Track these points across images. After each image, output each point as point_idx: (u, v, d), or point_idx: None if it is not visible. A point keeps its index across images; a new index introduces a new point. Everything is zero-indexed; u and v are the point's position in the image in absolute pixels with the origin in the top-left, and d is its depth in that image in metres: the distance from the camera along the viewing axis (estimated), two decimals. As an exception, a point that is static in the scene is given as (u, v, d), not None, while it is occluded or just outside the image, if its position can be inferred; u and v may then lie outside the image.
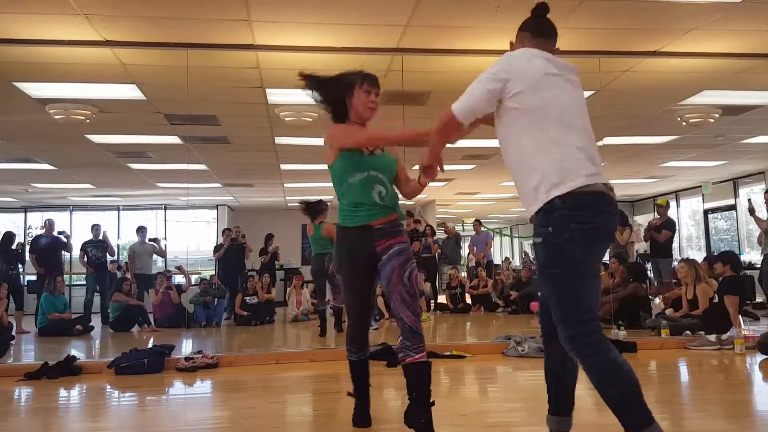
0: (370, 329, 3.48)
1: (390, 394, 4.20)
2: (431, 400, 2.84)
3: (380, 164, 2.99)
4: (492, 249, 12.86)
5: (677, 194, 15.03)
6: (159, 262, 11.43)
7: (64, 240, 10.07)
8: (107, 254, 10.21)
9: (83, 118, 6.80)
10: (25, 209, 14.76)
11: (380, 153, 3.03)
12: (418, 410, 2.82)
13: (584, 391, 4.44)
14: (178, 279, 10.42)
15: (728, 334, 5.91)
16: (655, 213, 9.15)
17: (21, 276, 10.27)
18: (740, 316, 6.45)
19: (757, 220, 8.07)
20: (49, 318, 8.42)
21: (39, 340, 8.10)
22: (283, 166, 10.47)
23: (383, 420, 3.35)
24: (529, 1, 4.59)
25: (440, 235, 13.06)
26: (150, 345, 5.90)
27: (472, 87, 2.41)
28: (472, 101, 2.39)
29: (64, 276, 10.07)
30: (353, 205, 2.93)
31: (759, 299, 9.67)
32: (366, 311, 3.17)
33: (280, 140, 8.59)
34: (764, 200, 8.25)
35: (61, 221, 12.12)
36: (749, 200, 8.35)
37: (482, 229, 12.80)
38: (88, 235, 10.30)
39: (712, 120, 7.55)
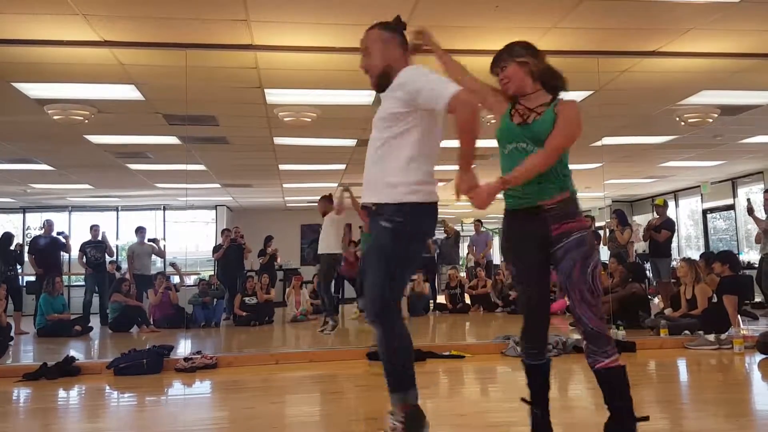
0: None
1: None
2: (633, 412, 2.58)
3: (530, 134, 2.62)
4: (491, 249, 12.86)
5: (676, 194, 15.03)
6: (158, 262, 11.42)
7: (63, 240, 10.06)
8: (106, 255, 10.20)
9: (82, 118, 6.80)
10: (24, 210, 14.75)
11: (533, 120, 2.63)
12: (618, 422, 2.58)
13: (583, 390, 4.45)
14: (175, 278, 10.42)
15: (727, 333, 5.92)
16: (654, 213, 9.14)
17: (20, 277, 10.25)
18: (739, 316, 6.46)
19: (756, 219, 8.05)
20: (48, 319, 8.41)
21: (38, 340, 8.10)
22: (282, 167, 10.46)
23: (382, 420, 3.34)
24: (527, 1, 4.61)
25: (438, 234, 13.05)
26: (149, 345, 5.89)
27: None
28: None
29: (63, 277, 10.05)
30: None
31: (758, 299, 9.67)
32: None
33: (279, 140, 8.58)
34: (763, 199, 8.24)
35: (59, 222, 12.10)
36: (748, 200, 8.34)
37: (482, 229, 12.80)
38: (87, 236, 10.29)
39: (710, 120, 7.56)
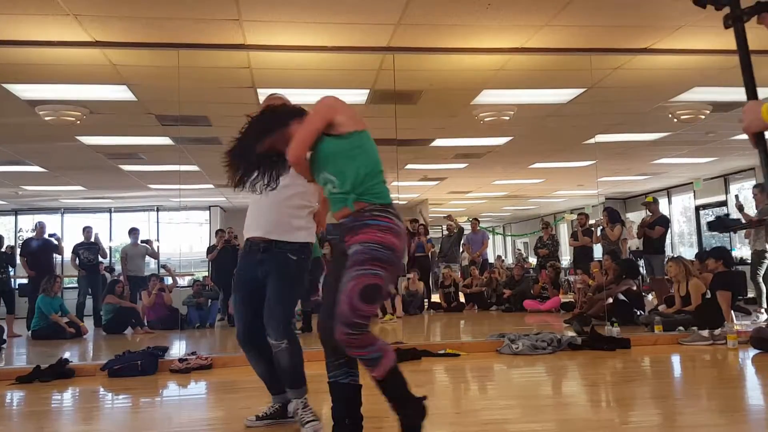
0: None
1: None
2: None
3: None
4: (487, 248, 12.87)
5: (669, 191, 15.10)
6: (152, 264, 11.38)
7: (56, 243, 10.01)
8: (99, 256, 10.16)
9: (73, 119, 6.77)
10: (16, 212, 14.67)
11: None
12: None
13: (578, 387, 4.47)
14: (168, 280, 10.39)
15: (721, 329, 5.94)
16: (647, 212, 9.17)
17: (12, 279, 10.19)
18: (732, 312, 6.49)
19: (746, 216, 8.06)
20: (52, 318, 8.33)
21: (31, 343, 8.05)
22: (275, 167, 10.43)
23: (382, 418, 3.34)
24: (519, 1, 4.61)
25: (435, 234, 13.05)
26: (143, 347, 5.87)
27: None
28: None
29: (55, 279, 9.99)
30: None
31: (750, 294, 9.72)
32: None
33: (272, 140, 8.56)
34: (753, 195, 8.27)
35: (52, 224, 12.03)
36: (736, 196, 8.36)
37: (478, 227, 12.80)
38: (80, 238, 10.25)
39: (702, 117, 7.59)
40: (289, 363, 3.12)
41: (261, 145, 2.64)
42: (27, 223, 14.31)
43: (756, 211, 8.16)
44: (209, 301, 9.50)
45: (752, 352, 5.33)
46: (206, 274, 11.22)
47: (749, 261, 8.50)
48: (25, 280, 10.28)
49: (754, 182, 11.75)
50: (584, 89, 6.73)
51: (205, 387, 4.85)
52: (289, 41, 5.32)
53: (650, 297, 9.74)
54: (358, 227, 2.44)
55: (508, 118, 7.36)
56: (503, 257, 20.84)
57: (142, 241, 10.42)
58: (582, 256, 9.99)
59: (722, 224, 7.69)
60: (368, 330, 2.42)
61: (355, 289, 2.36)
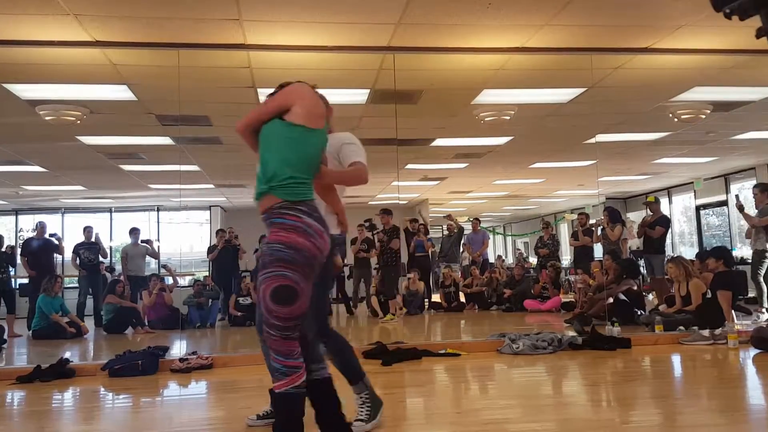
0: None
1: (384, 392, 4.19)
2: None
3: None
4: (487, 248, 12.86)
5: (669, 191, 15.10)
6: (152, 263, 11.38)
7: (56, 242, 10.00)
8: (100, 256, 10.16)
9: (74, 119, 6.76)
10: (16, 212, 14.67)
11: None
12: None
13: (578, 387, 4.46)
14: (170, 280, 10.40)
15: (721, 329, 5.94)
16: (647, 211, 9.17)
17: (12, 279, 10.19)
18: (733, 311, 6.49)
19: (746, 216, 8.05)
20: (52, 318, 8.34)
21: (32, 343, 8.06)
22: (276, 167, 10.43)
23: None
24: (520, 0, 4.62)
25: (435, 234, 13.05)
26: (144, 347, 5.87)
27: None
28: None
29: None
30: None
31: (751, 294, 9.71)
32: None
33: (273, 140, 8.56)
34: (753, 195, 8.26)
35: (52, 223, 12.02)
36: (736, 196, 8.35)
37: (479, 227, 12.79)
38: (80, 238, 10.25)
39: (703, 116, 7.59)
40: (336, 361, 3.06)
41: None
42: (27, 223, 14.31)
43: (756, 211, 8.16)
44: (210, 300, 9.51)
45: (753, 351, 5.33)
46: (207, 273, 11.21)
47: (750, 261, 8.49)
48: (25, 280, 10.28)
49: (754, 182, 11.75)
50: (584, 89, 6.73)
51: (206, 387, 4.86)
52: (289, 41, 5.32)
53: (651, 297, 9.73)
54: (270, 225, 2.43)
55: (508, 117, 7.36)
56: (504, 257, 20.83)
57: (143, 241, 10.42)
58: (582, 255, 9.99)
59: None
60: (289, 336, 2.39)
61: (266, 292, 2.37)
